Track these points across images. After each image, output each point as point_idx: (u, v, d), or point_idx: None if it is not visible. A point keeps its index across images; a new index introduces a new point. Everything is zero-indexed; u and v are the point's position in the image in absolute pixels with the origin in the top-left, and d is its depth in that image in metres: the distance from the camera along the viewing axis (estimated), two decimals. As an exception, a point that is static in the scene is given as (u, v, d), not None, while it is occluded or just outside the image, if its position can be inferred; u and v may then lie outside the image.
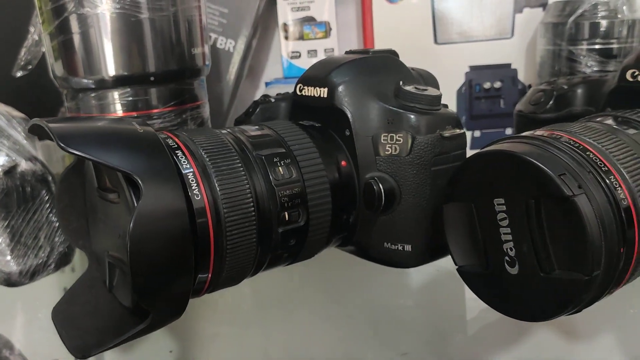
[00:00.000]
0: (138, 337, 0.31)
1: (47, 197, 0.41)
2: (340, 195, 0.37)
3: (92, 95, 0.43)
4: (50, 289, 0.46)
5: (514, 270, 0.31)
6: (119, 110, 0.44)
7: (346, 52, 0.43)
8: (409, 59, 0.59)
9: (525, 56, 0.58)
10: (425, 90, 0.39)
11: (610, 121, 0.36)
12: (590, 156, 0.30)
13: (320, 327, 0.40)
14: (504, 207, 0.31)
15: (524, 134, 0.33)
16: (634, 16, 0.50)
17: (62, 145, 0.28)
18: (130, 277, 0.28)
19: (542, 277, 0.30)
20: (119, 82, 0.43)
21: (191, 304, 0.32)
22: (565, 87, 0.43)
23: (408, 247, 0.39)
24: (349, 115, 0.38)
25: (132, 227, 0.27)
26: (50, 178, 0.41)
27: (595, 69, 0.50)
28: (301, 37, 0.60)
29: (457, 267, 0.35)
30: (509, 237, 0.31)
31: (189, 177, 0.31)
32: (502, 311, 0.33)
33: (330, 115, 0.39)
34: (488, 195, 0.32)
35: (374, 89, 0.39)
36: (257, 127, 0.38)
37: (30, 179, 0.40)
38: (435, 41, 0.59)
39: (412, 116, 0.37)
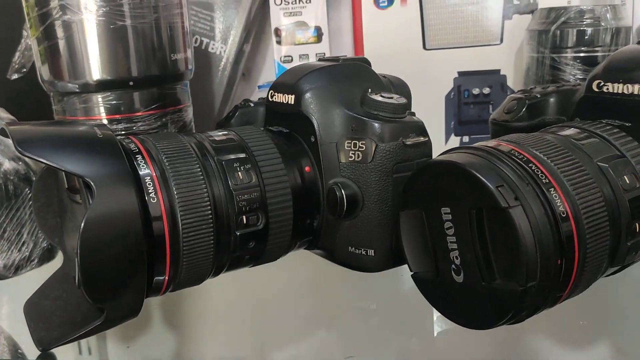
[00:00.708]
0: (94, 334, 0.33)
1: (29, 196, 0.43)
2: (303, 200, 0.38)
3: (77, 98, 0.45)
4: (38, 282, 0.49)
5: (459, 279, 0.32)
6: (102, 113, 0.45)
7: (319, 60, 0.44)
8: (398, 65, 0.60)
9: (514, 62, 0.58)
10: (391, 98, 0.39)
11: (569, 132, 0.36)
12: (532, 168, 0.30)
13: (276, 327, 0.41)
14: (450, 216, 0.32)
15: (475, 144, 0.33)
16: (618, 24, 0.50)
17: (20, 149, 0.29)
18: (82, 275, 0.30)
19: (483, 286, 0.31)
20: (101, 86, 0.44)
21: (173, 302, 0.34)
22: (539, 96, 0.43)
23: (371, 252, 0.39)
24: (314, 122, 0.39)
25: (82, 228, 0.29)
26: (33, 177, 0.43)
27: (579, 77, 0.50)
28: (293, 42, 0.61)
29: (411, 273, 0.36)
30: (455, 245, 0.32)
31: (146, 180, 0.33)
32: (450, 318, 0.34)
33: (297, 121, 0.40)
34: (436, 204, 0.32)
35: (340, 96, 0.40)
36: (222, 132, 0.39)
37: (13, 177, 0.42)
38: (424, 47, 0.59)
39: (375, 124, 0.38)
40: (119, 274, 0.31)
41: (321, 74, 0.41)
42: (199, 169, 0.35)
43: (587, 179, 0.31)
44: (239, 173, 0.36)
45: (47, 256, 0.45)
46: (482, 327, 0.32)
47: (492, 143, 0.33)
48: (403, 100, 0.39)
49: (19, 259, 0.44)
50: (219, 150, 0.36)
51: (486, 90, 0.59)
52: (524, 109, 0.43)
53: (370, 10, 0.59)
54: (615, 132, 0.35)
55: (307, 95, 0.40)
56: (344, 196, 0.38)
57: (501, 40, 0.58)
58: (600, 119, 0.38)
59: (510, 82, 0.59)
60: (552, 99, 0.43)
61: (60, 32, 0.43)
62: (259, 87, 0.64)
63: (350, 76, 0.41)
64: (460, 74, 0.59)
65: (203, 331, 0.49)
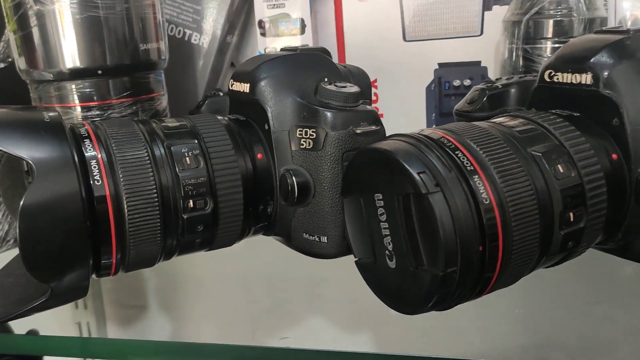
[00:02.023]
0: (40, 311, 0.34)
1: (3, 179, 0.45)
2: (255, 187, 0.39)
3: (51, 86, 0.47)
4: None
5: (392, 264, 0.32)
6: (76, 100, 0.47)
7: (281, 49, 0.44)
8: (378, 56, 0.60)
9: (494, 54, 0.57)
10: (344, 87, 0.40)
11: (513, 122, 0.36)
12: (459, 155, 0.30)
13: (225, 311, 0.42)
14: (382, 203, 0.32)
15: (409, 132, 0.34)
16: (592, 15, 0.49)
17: (-36, 131, 0.31)
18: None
19: (411, 272, 0.31)
20: (74, 74, 0.46)
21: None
22: (500, 86, 0.43)
23: (324, 239, 0.40)
24: (268, 110, 0.40)
25: (20, 209, 0.30)
26: (7, 162, 0.45)
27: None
28: (277, 34, 0.62)
29: (355, 260, 0.36)
30: (388, 231, 0.32)
31: (92, 163, 0.34)
32: (387, 303, 0.34)
33: (253, 109, 0.41)
34: (371, 191, 0.33)
35: (295, 85, 0.40)
36: (178, 119, 0.40)
37: (-14, 161, 0.44)
38: (404, 38, 0.59)
39: (326, 112, 0.39)
40: (61, 255, 0.32)
41: (277, 63, 0.41)
42: (146, 154, 0.36)
43: (516, 167, 0.31)
44: (187, 158, 0.37)
45: (21, 238, 0.47)
46: (411, 312, 0.32)
47: (427, 131, 0.33)
48: (356, 89, 0.40)
49: (-6, 239, 0.46)
50: (169, 136, 0.37)
51: (467, 82, 0.59)
52: (484, 99, 0.43)
53: (351, 1, 0.60)
54: (558, 121, 0.35)
55: (262, 83, 0.40)
56: (295, 183, 0.39)
57: (481, 32, 0.58)
58: (551, 109, 0.38)
59: (491, 74, 0.58)
60: (512, 90, 0.43)
61: (33, 22, 0.45)
62: (243, 78, 0.65)
63: (306, 66, 0.42)
64: (441, 65, 0.59)
65: (195, 312, 0.50)
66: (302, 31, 0.62)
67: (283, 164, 0.40)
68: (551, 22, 0.49)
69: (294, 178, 0.39)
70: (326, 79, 0.41)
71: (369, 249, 0.34)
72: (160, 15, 0.49)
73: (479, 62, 0.58)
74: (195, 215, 0.37)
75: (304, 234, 0.41)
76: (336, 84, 0.40)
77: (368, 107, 0.40)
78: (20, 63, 0.47)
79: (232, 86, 0.43)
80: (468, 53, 0.58)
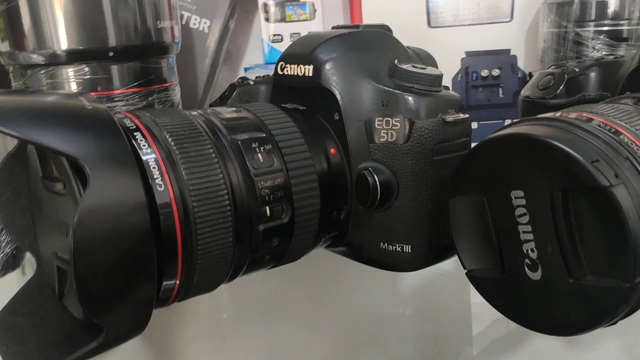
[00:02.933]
0: (90, 357, 0.26)
1: (-12, 190, 0.35)
2: (330, 188, 0.33)
3: (43, 73, 0.38)
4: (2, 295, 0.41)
5: (535, 276, 0.27)
6: (74, 90, 0.38)
7: (333, 28, 0.38)
8: (400, 43, 0.54)
9: (525, 41, 0.54)
10: (424, 69, 0.34)
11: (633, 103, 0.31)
12: (625, 140, 0.25)
13: (304, 336, 0.35)
14: (524, 201, 0.26)
15: (543, 115, 0.28)
16: (647, -5, 0.46)
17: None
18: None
19: (570, 284, 0.26)
20: (73, 57, 0.37)
21: (161, 313, 0.28)
22: (577, 70, 0.39)
23: (408, 248, 0.34)
24: (338, 97, 0.33)
25: (76, 223, 0.22)
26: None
27: (603, 53, 0.46)
28: (283, 19, 0.55)
29: (466, 271, 0.30)
30: (530, 236, 0.27)
31: (150, 164, 0.26)
32: (523, 323, 0.28)
33: (317, 96, 0.34)
34: (504, 187, 0.27)
35: (365, 67, 0.34)
36: (233, 108, 0.32)
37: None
38: (429, 24, 0.54)
39: (409, 98, 0.33)
40: (124, 280, 0.24)
41: (341, 42, 0.35)
42: (212, 150, 0.28)
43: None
44: (259, 155, 0.30)
45: (11, 264, 0.38)
46: (568, 333, 0.27)
47: (570, 113, 0.28)
48: (438, 71, 0.34)
49: (-24, 267, 0.36)
50: (232, 129, 0.30)
51: (495, 72, 0.55)
52: (562, 85, 0.39)
53: (370, -17, 0.54)
54: (693, 104, 0.31)
55: (328, 65, 0.34)
56: (377, 183, 0.33)
57: (511, 17, 0.54)
58: (657, 92, 0.33)
59: (521, 63, 0.55)
60: (592, 74, 0.39)
61: (22, -9, 0.36)
62: (246, 69, 0.58)
63: (373, 45, 0.36)
64: (468, 54, 0.54)
65: (214, 344, 0.41)
66: (312, 16, 0.55)
67: (360, 161, 0.33)
68: (605, 2, 0.46)
69: (375, 176, 0.33)
70: (396, 60, 0.35)
71: (491, 259, 0.29)
72: (174, -10, 0.42)
73: (508, 50, 0.54)
74: (272, 225, 0.30)
75: (382, 243, 0.34)
76: (414, 65, 0.34)
77: (451, 92, 0.35)
78: (2, 44, 0.38)
79: (283, 70, 0.36)
80: (497, 40, 0.54)
